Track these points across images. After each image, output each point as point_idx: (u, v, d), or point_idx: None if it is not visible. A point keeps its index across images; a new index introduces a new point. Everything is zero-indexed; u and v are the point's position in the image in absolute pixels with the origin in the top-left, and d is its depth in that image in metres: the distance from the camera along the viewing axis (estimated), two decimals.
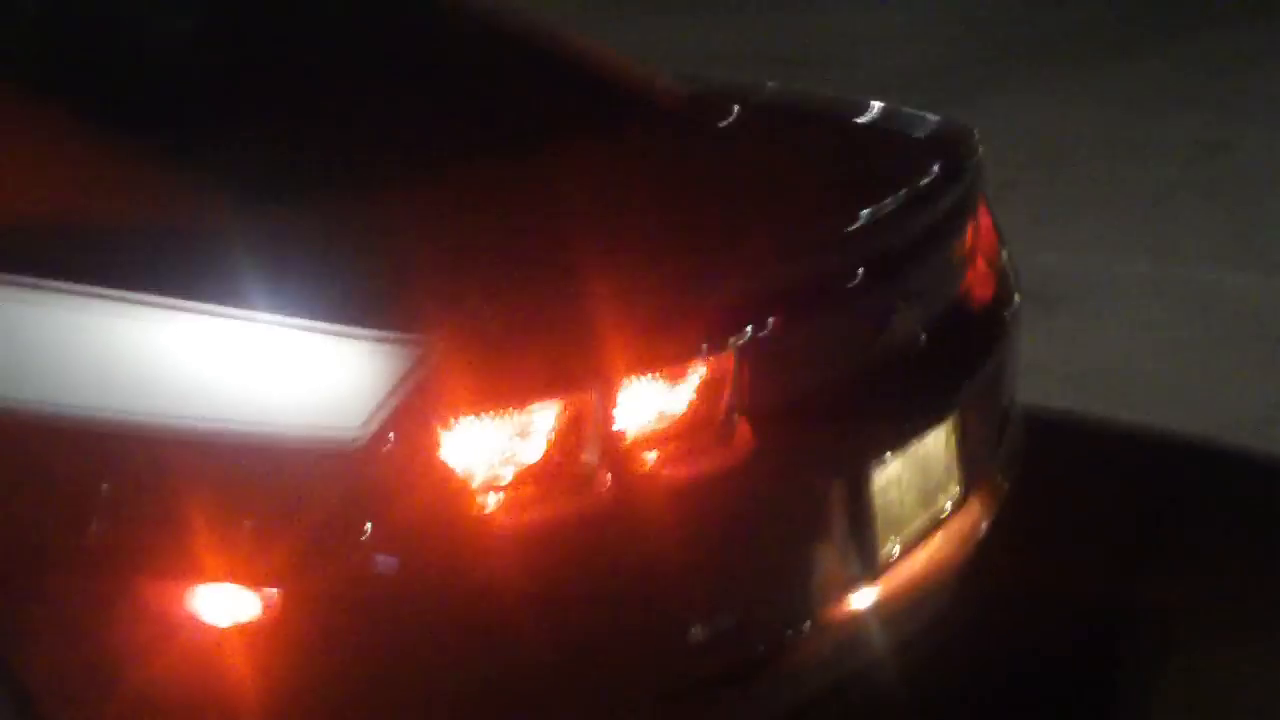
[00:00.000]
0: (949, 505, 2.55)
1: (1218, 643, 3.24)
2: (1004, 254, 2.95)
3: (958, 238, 2.67)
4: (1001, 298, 2.82)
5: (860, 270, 2.37)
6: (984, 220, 2.89)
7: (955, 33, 9.45)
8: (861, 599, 2.33)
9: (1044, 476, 3.92)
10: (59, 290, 2.00)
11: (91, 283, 1.99)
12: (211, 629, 1.94)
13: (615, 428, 2.04)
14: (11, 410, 2.00)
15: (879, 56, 8.89)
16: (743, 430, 2.15)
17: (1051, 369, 4.74)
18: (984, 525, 2.62)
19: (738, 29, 9.40)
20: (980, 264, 2.81)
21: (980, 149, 2.82)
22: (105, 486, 1.98)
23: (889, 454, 2.37)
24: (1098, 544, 3.63)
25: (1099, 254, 5.80)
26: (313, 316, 1.95)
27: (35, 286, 2.00)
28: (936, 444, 2.50)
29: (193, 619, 1.94)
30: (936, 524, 2.52)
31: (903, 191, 2.52)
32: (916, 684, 2.77)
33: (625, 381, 2.05)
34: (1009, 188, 6.94)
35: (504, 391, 1.97)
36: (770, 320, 2.20)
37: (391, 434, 1.91)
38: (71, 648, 2.01)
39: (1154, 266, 5.63)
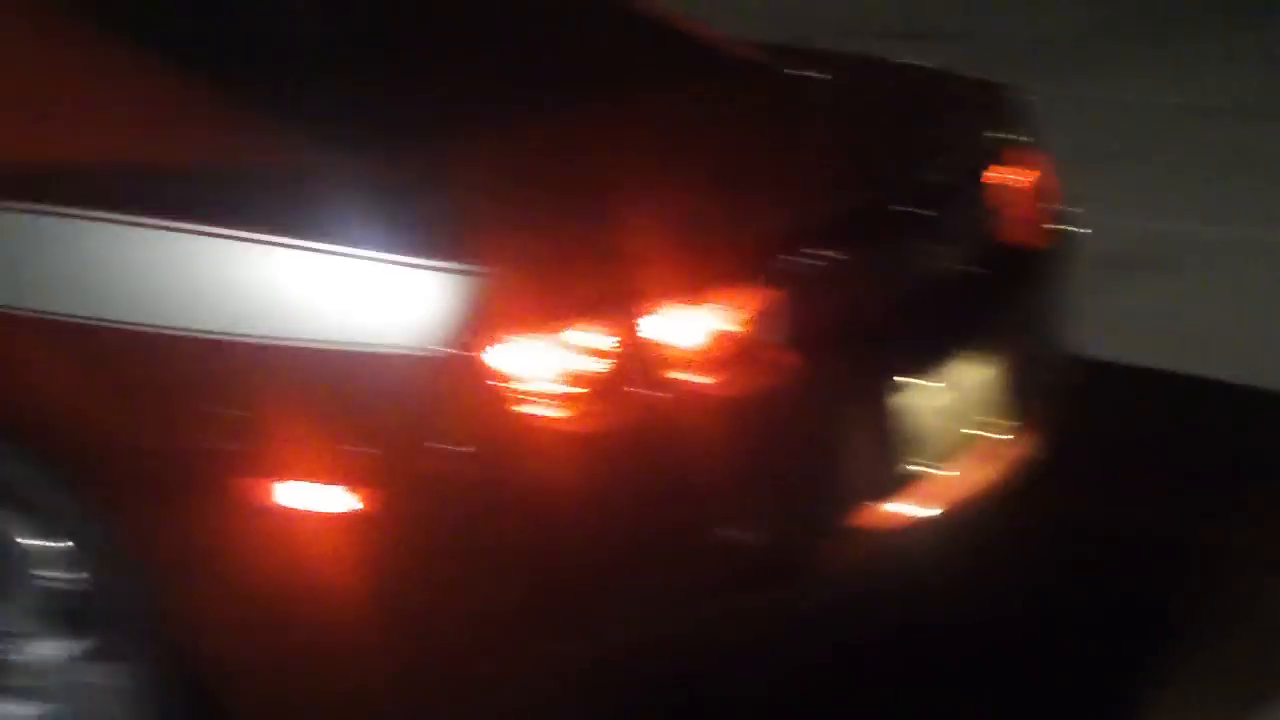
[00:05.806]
0: (982, 435, 2.74)
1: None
2: (1055, 206, 3.12)
3: (991, 186, 2.85)
4: (1046, 246, 3.00)
5: (891, 211, 2.58)
6: (1031, 173, 3.06)
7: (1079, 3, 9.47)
8: (884, 512, 2.55)
9: (1119, 426, 4.07)
10: (182, 229, 2.29)
11: (214, 224, 2.28)
12: (316, 519, 2.23)
13: (652, 349, 2.28)
14: (153, 332, 2.29)
15: (1007, 26, 8.94)
16: (769, 355, 2.37)
17: (1142, 328, 4.87)
18: (1019, 456, 2.80)
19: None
20: (1022, 212, 2.99)
21: (1010, 107, 3.00)
22: (220, 399, 2.27)
23: (917, 382, 2.57)
24: (1163, 488, 3.78)
25: (1196, 220, 5.88)
26: (393, 250, 2.23)
27: (161, 226, 2.30)
28: (969, 377, 2.70)
29: (303, 512, 2.24)
30: (968, 451, 2.71)
31: (936, 141, 2.72)
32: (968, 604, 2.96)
33: (662, 308, 2.28)
34: (1113, 158, 7.00)
35: (551, 315, 2.22)
36: (802, 254, 2.42)
37: (453, 351, 2.18)
38: (198, 536, 2.31)
39: (1249, 232, 5.70)
